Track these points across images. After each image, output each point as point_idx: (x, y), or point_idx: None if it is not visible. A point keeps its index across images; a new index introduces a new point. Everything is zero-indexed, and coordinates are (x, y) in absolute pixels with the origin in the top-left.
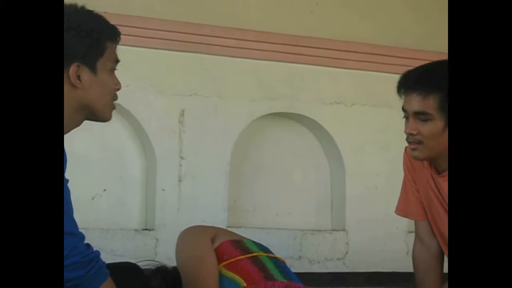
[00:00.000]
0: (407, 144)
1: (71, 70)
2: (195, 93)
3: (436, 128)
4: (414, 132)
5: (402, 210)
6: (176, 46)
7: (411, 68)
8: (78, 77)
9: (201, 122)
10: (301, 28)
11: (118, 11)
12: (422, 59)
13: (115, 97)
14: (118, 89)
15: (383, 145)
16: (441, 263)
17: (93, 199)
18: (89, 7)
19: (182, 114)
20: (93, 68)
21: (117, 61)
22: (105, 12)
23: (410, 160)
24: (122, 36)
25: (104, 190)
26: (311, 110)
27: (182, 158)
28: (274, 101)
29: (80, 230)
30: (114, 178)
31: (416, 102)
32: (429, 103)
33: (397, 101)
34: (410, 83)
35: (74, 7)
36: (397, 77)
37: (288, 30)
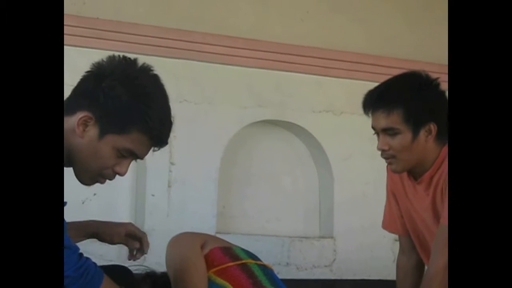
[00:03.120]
0: None
1: (81, 115)
2: (186, 99)
3: (405, 140)
4: (386, 148)
5: (384, 224)
6: (167, 53)
7: None
8: (84, 127)
9: (191, 128)
10: (291, 36)
11: (110, 18)
12: (412, 69)
13: (107, 175)
14: (117, 173)
15: (371, 154)
16: (419, 272)
17: (83, 203)
18: (82, 13)
19: (172, 120)
20: (101, 134)
21: (131, 152)
22: (97, 18)
23: (390, 173)
24: (113, 42)
25: (94, 194)
26: (300, 118)
27: (172, 163)
28: (263, 109)
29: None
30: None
31: (382, 120)
32: (394, 119)
33: None
34: (373, 102)
35: (153, 79)
36: None
37: (278, 38)
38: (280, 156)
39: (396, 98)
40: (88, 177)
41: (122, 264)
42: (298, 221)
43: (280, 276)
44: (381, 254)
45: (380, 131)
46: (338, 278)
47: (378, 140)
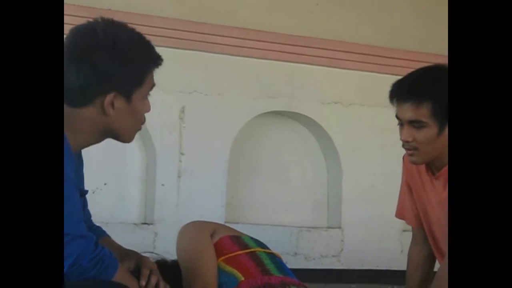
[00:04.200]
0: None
1: (108, 99)
2: (196, 90)
3: (431, 134)
4: (410, 139)
5: (399, 213)
6: (178, 44)
7: (409, 69)
8: (112, 105)
9: (201, 119)
10: (301, 28)
11: (121, 9)
12: (421, 61)
13: (143, 121)
14: (147, 111)
15: (380, 145)
16: (430, 263)
17: (93, 193)
18: (94, 4)
19: (182, 111)
20: (128, 98)
21: (153, 86)
22: (109, 10)
23: (407, 165)
24: None
25: (105, 184)
26: (309, 109)
27: (182, 154)
28: (273, 100)
29: None
30: (115, 172)
31: (410, 112)
32: (422, 112)
33: None
34: (402, 93)
35: (126, 32)
36: (395, 78)
37: (288, 30)
38: (289, 147)
39: (426, 91)
40: (133, 135)
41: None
42: (307, 211)
43: (288, 266)
44: (389, 244)
45: (406, 122)
46: (346, 268)
47: (401, 130)
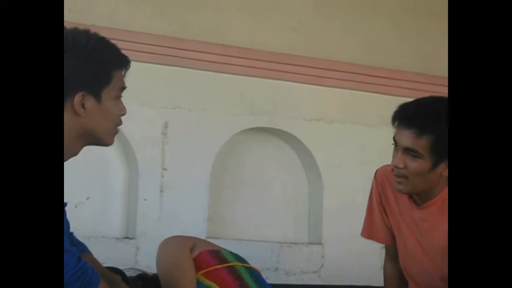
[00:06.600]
0: (384, 163)
1: (76, 99)
2: (179, 106)
3: (424, 167)
4: (401, 166)
5: (367, 233)
6: (161, 60)
7: (391, 88)
8: (83, 105)
9: (184, 134)
10: (283, 45)
11: (105, 25)
12: (403, 80)
13: (119, 123)
14: (122, 114)
15: (360, 162)
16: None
17: (76, 207)
18: (78, 20)
19: (165, 126)
20: (98, 97)
21: (123, 88)
22: (93, 25)
23: (382, 188)
24: None
25: (87, 198)
26: (291, 126)
27: (164, 169)
28: (255, 116)
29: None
30: (97, 187)
31: (409, 139)
32: (422, 143)
33: (375, 120)
34: (405, 119)
35: (86, 34)
36: (377, 96)
37: (271, 47)
38: (271, 163)
39: (431, 123)
40: (111, 136)
41: (115, 267)
42: (288, 227)
43: (269, 281)
44: (369, 260)
45: (401, 148)
46: (326, 283)
47: (395, 154)
